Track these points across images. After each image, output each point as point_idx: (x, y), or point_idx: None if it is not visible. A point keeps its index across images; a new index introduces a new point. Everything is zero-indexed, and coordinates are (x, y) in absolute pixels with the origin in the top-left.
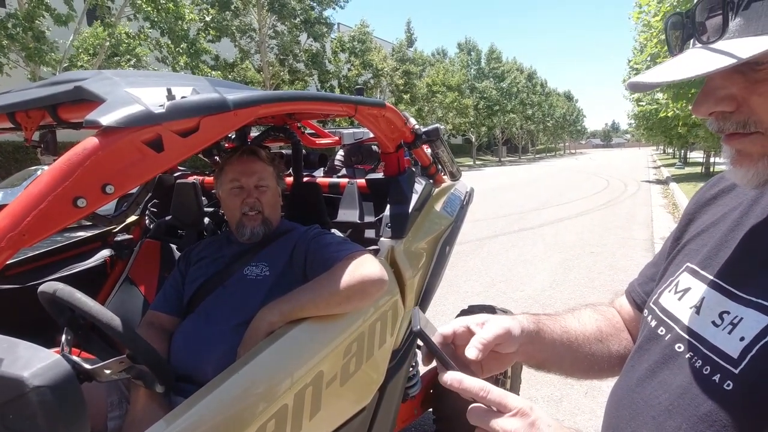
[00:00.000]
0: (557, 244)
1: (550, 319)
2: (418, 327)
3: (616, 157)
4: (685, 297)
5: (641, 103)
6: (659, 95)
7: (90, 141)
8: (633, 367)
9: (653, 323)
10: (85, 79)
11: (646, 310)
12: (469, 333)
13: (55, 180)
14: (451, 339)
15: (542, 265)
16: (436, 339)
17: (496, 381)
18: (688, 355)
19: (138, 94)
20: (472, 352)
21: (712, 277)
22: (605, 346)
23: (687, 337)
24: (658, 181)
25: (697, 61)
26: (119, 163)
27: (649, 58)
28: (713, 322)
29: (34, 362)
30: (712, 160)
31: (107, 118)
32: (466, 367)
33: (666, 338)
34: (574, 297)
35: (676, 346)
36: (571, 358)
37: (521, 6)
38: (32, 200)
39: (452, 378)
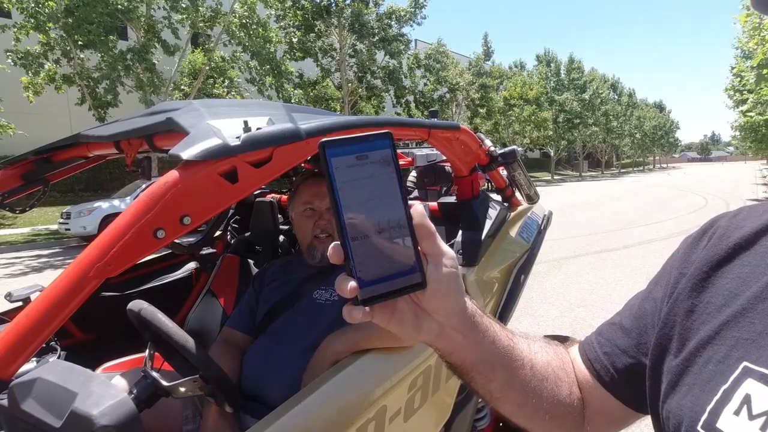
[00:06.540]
0: (645, 268)
1: (497, 322)
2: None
3: (716, 172)
4: None
5: (749, 114)
6: None
7: (171, 175)
8: None
9: None
10: (176, 110)
11: None
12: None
13: (139, 213)
14: None
15: (626, 291)
16: None
17: None
18: None
19: (219, 126)
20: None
21: None
22: (552, 387)
23: None
24: None
25: None
26: (197, 195)
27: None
28: None
29: (103, 400)
30: None
31: (188, 152)
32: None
33: None
34: None
35: None
36: (506, 377)
37: (605, 19)
38: (118, 233)
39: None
